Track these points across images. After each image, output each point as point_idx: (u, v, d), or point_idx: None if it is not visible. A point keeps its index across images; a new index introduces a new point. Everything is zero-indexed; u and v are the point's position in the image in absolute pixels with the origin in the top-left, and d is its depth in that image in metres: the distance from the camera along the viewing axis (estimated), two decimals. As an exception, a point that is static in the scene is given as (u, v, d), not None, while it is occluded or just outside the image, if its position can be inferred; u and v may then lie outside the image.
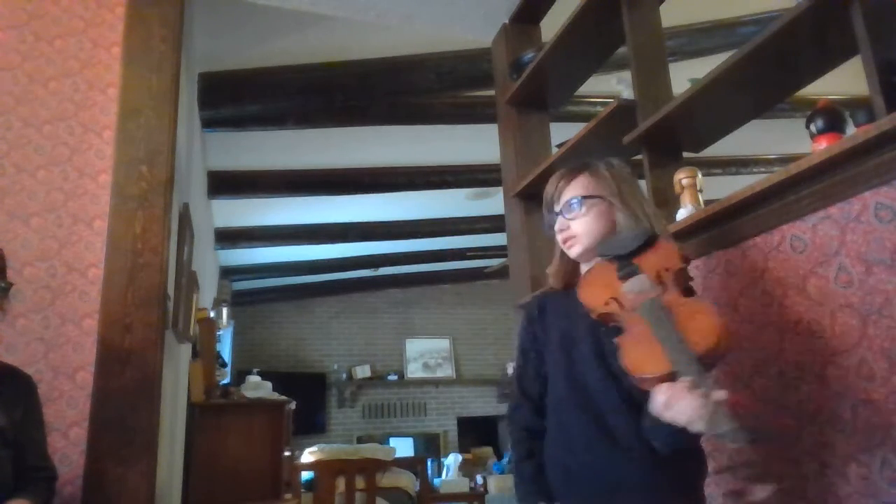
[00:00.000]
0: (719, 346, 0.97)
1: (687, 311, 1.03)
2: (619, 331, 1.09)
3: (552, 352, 1.26)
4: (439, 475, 7.03)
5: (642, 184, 1.82)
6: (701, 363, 0.94)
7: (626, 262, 1.14)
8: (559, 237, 1.30)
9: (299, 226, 5.65)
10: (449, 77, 3.37)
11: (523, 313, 1.38)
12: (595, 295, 1.16)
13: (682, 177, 1.69)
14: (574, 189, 1.28)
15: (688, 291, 1.10)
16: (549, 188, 1.33)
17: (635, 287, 1.09)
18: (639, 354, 1.02)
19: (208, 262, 4.93)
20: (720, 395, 0.90)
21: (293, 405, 3.78)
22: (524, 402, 1.30)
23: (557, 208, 1.29)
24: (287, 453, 3.59)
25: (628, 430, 1.06)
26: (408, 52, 3.29)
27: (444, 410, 8.30)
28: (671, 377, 0.96)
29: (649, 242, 1.16)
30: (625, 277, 1.12)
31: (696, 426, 0.92)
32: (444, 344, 8.57)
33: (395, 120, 3.80)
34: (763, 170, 4.84)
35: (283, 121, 3.63)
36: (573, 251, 1.28)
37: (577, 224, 1.26)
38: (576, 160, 1.37)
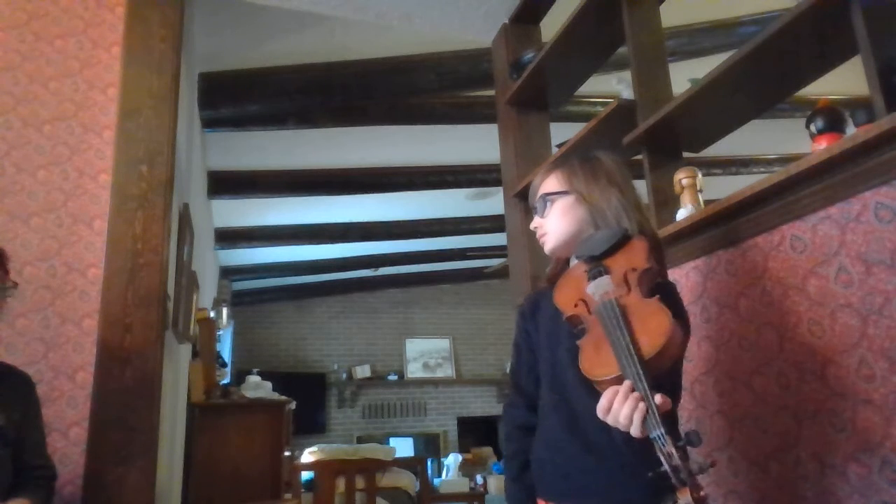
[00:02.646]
0: (665, 351, 0.95)
1: (643, 313, 1.00)
2: (585, 333, 1.07)
3: (542, 350, 1.26)
4: (439, 475, 7.04)
5: (641, 184, 1.84)
6: (647, 367, 0.93)
7: (596, 263, 1.13)
8: (537, 234, 1.31)
9: (299, 226, 5.65)
10: (449, 77, 3.37)
11: (518, 310, 1.38)
12: (566, 297, 1.15)
13: (682, 177, 1.69)
14: (545, 186, 1.29)
15: (656, 292, 1.06)
16: (531, 186, 1.34)
17: (599, 288, 1.07)
18: (593, 357, 1.01)
19: (208, 262, 4.93)
20: (656, 399, 0.89)
21: (293, 405, 3.78)
22: (519, 398, 1.30)
23: (533, 205, 1.31)
24: (287, 453, 3.59)
25: (601, 434, 1.03)
26: (408, 52, 3.29)
27: (444, 410, 8.30)
28: (620, 381, 0.95)
29: (623, 242, 1.14)
30: (592, 279, 1.10)
31: (632, 431, 0.91)
32: (443, 344, 8.57)
33: (395, 120, 3.80)
34: (763, 170, 4.84)
35: (283, 121, 3.63)
36: (545, 248, 1.29)
37: (547, 221, 1.27)
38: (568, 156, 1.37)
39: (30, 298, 1.86)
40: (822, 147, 1.34)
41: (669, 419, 0.90)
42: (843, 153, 1.21)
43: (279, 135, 3.89)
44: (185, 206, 2.62)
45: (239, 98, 3.39)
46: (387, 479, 4.14)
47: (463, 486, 6.09)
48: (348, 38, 3.13)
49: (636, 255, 1.11)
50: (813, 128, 1.44)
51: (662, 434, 0.87)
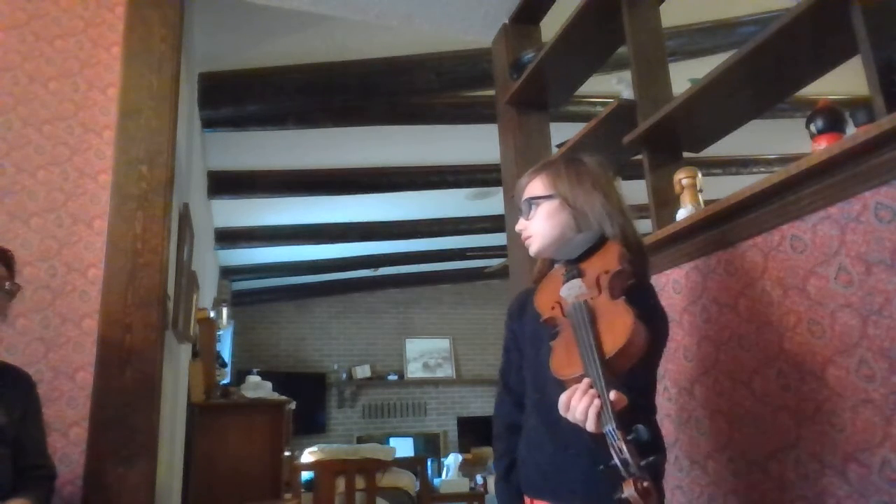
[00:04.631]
0: (627, 349, 0.96)
1: (610, 314, 1.02)
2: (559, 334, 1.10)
3: (527, 350, 1.28)
4: (439, 475, 7.03)
5: (641, 184, 1.84)
6: (608, 365, 0.94)
7: (572, 267, 1.15)
8: (522, 236, 1.33)
9: (299, 226, 5.65)
10: (449, 77, 3.37)
11: (507, 310, 1.40)
12: (544, 299, 1.17)
13: (682, 177, 1.69)
14: (530, 189, 1.31)
15: (628, 293, 1.08)
16: (517, 187, 1.36)
17: (571, 291, 1.09)
18: (562, 358, 1.03)
19: (208, 262, 4.93)
20: (611, 396, 0.91)
21: (293, 405, 3.78)
22: (507, 397, 1.33)
23: (518, 207, 1.34)
24: (287, 453, 3.60)
25: (577, 433, 1.03)
26: (408, 52, 3.29)
27: (444, 410, 8.30)
28: (582, 379, 0.96)
29: (599, 245, 1.16)
30: (566, 281, 1.13)
31: (587, 426, 0.92)
32: (444, 344, 8.57)
33: (395, 120, 3.80)
34: (763, 170, 4.84)
35: (283, 121, 3.63)
36: (531, 251, 1.31)
37: (532, 224, 1.29)
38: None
39: (30, 298, 1.86)
40: (822, 147, 1.33)
41: (629, 414, 0.91)
42: (843, 153, 1.21)
43: (279, 135, 3.88)
44: (185, 206, 2.62)
45: (239, 98, 3.38)
46: (387, 479, 4.14)
47: (463, 486, 6.09)
48: (348, 39, 3.13)
49: (609, 258, 1.13)
50: (813, 128, 1.44)
51: (613, 429, 0.88)
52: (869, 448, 1.19)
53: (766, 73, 1.57)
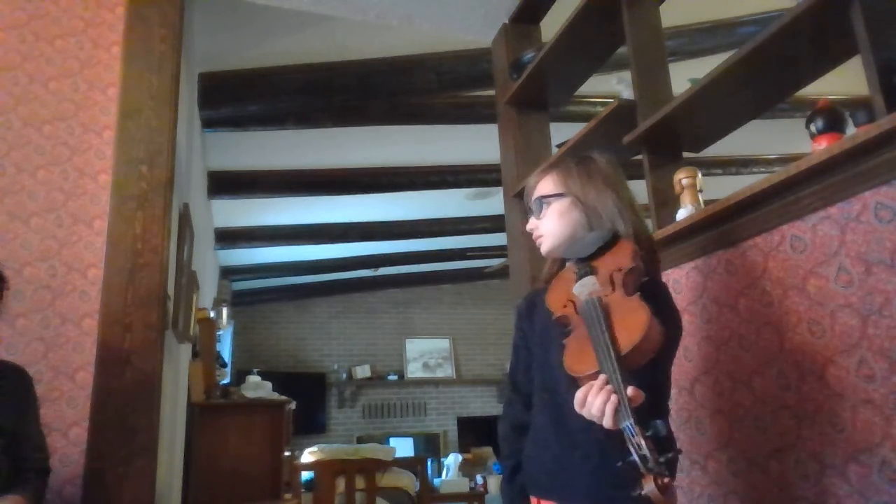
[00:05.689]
0: (641, 346, 0.96)
1: (623, 310, 1.02)
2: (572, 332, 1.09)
3: (536, 349, 1.27)
4: (439, 475, 7.04)
5: (641, 184, 1.84)
6: (623, 361, 0.94)
7: (585, 265, 1.15)
8: (533, 235, 1.32)
9: (299, 226, 5.65)
10: (449, 77, 3.37)
11: (515, 310, 1.40)
12: (556, 298, 1.17)
13: (682, 177, 1.69)
14: (541, 188, 1.30)
15: (641, 290, 1.08)
16: (526, 187, 1.35)
17: (584, 288, 1.09)
18: (575, 354, 1.03)
19: (208, 262, 4.93)
20: (628, 391, 0.90)
21: (293, 405, 3.78)
22: (516, 397, 1.32)
23: (528, 207, 1.32)
24: (287, 453, 3.59)
25: (586, 432, 1.04)
26: (408, 52, 3.29)
27: (444, 410, 8.30)
28: (597, 376, 0.96)
29: (611, 243, 1.16)
30: (578, 279, 1.13)
31: (605, 422, 0.92)
32: (444, 344, 8.57)
33: (395, 120, 3.80)
34: (763, 170, 4.84)
35: (283, 121, 3.63)
36: (542, 250, 1.30)
37: (543, 223, 1.28)
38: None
39: (30, 298, 1.86)
40: (822, 147, 1.33)
41: (644, 412, 0.91)
42: (843, 153, 1.21)
43: (279, 135, 3.89)
44: (185, 206, 2.62)
45: (239, 98, 3.39)
46: (387, 479, 4.14)
47: (463, 486, 6.09)
48: (349, 39, 3.13)
49: (622, 256, 1.13)
50: (813, 128, 1.44)
51: (631, 424, 0.88)
52: (869, 448, 1.19)
53: (766, 73, 1.57)
